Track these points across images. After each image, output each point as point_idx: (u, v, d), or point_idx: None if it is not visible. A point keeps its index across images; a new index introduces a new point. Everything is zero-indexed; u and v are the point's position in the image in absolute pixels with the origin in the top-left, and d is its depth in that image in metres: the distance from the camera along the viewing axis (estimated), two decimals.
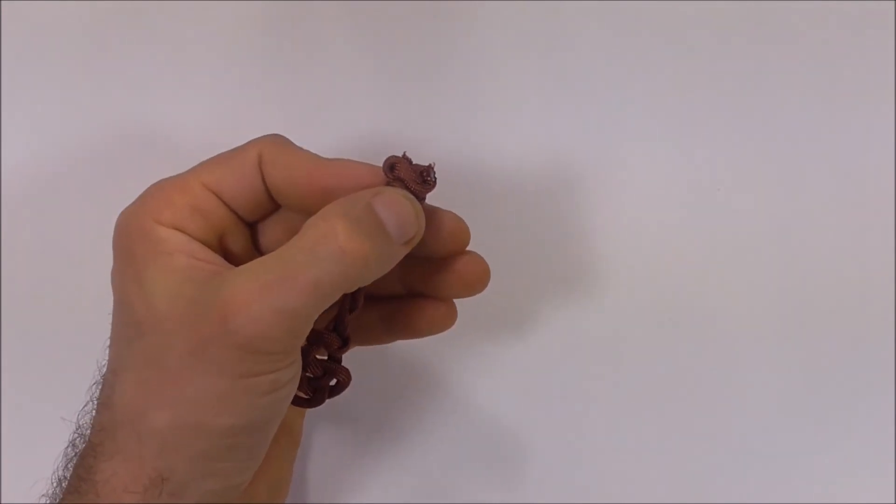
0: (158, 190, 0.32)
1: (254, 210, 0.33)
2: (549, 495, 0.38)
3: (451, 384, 0.40)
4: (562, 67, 0.43)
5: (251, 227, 0.34)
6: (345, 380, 0.34)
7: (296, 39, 0.44)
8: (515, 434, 0.39)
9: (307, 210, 0.32)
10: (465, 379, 0.40)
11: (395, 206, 0.30)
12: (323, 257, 0.28)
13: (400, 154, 0.32)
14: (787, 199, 0.41)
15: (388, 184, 0.32)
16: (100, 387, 0.31)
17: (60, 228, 0.41)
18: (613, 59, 0.43)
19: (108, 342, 0.32)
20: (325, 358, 0.34)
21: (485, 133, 0.42)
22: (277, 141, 0.33)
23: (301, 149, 0.33)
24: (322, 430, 0.39)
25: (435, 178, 0.32)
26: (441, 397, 0.40)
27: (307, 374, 0.33)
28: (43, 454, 0.32)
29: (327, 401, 0.34)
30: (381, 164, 0.32)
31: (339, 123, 0.39)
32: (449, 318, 0.35)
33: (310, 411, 0.35)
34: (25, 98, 0.43)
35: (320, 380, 0.34)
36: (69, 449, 0.31)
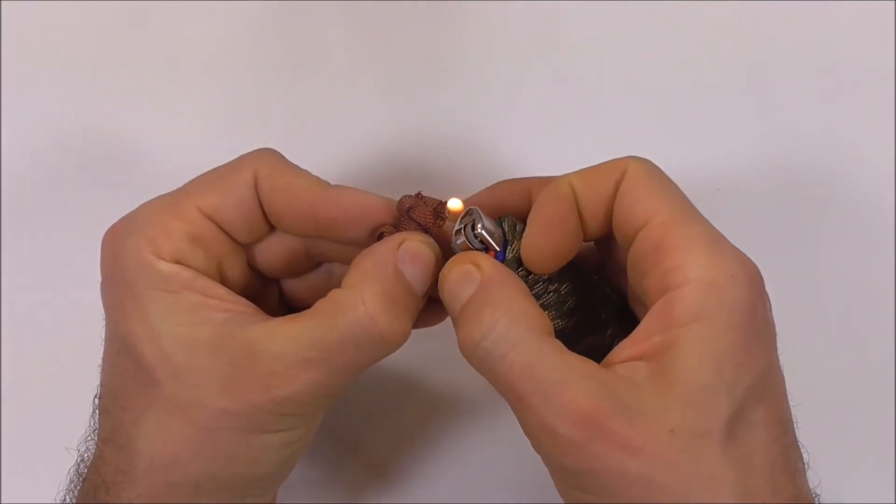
0: (153, 215, 0.31)
1: (250, 233, 0.32)
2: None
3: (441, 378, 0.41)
4: (561, 69, 0.43)
5: (245, 247, 0.33)
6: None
7: (293, 42, 0.43)
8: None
9: (307, 236, 0.32)
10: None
11: (418, 260, 0.30)
12: (364, 344, 0.29)
13: (413, 192, 0.31)
14: (786, 194, 0.42)
15: (399, 222, 0.31)
16: (99, 417, 0.31)
17: (55, 232, 0.41)
18: (612, 60, 0.43)
19: (100, 364, 0.31)
20: None
21: (486, 135, 0.42)
22: (272, 159, 0.32)
23: (298, 169, 0.32)
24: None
25: (448, 212, 0.32)
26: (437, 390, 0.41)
27: None
28: (42, 479, 0.33)
29: None
30: (387, 194, 0.31)
31: (337, 129, 0.38)
32: (434, 316, 0.35)
33: None
34: (24, 98, 0.44)
35: None
36: (73, 477, 0.31)
